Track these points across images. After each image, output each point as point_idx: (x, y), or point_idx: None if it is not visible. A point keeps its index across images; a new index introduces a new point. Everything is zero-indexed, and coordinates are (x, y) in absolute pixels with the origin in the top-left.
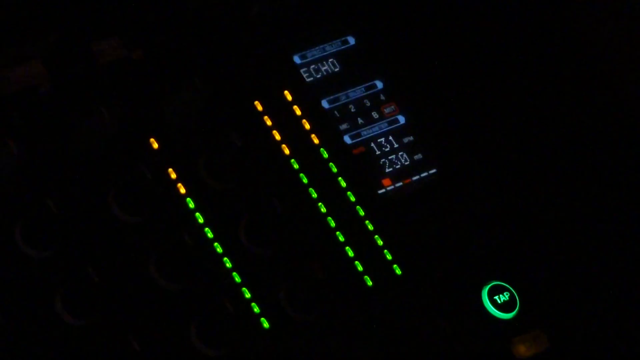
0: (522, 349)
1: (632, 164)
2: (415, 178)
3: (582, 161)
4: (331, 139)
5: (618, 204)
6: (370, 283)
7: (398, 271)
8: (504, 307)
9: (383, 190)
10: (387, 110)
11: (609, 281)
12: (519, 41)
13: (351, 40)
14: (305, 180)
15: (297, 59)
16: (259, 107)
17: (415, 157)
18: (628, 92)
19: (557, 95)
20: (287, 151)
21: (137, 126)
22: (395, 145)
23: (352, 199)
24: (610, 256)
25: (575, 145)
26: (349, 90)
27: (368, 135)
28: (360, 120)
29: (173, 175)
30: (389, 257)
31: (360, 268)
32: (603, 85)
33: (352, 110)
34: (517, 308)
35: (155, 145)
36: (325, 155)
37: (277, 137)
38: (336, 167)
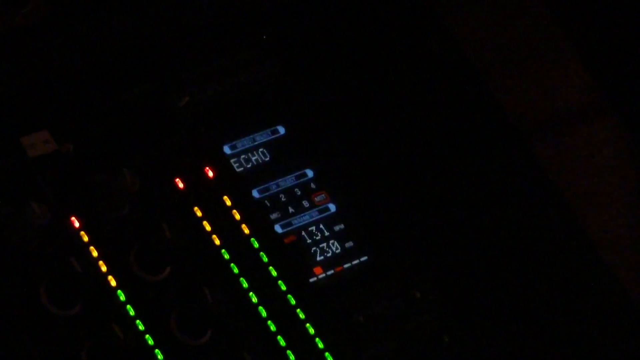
0: None
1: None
2: (346, 266)
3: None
4: (262, 229)
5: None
6: None
7: (330, 359)
8: None
9: (314, 279)
10: (317, 199)
11: None
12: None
13: (281, 130)
14: (235, 271)
15: (227, 149)
16: (189, 198)
17: (347, 244)
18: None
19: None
20: (217, 241)
21: (66, 219)
22: (327, 234)
23: (283, 288)
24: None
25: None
26: (280, 180)
27: (299, 224)
28: (291, 210)
29: (104, 268)
30: (320, 345)
31: (292, 358)
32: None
33: (283, 199)
34: None
35: (85, 238)
36: (256, 245)
37: (208, 227)
38: (267, 256)
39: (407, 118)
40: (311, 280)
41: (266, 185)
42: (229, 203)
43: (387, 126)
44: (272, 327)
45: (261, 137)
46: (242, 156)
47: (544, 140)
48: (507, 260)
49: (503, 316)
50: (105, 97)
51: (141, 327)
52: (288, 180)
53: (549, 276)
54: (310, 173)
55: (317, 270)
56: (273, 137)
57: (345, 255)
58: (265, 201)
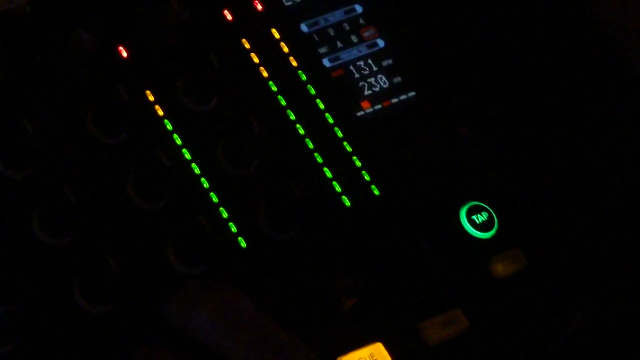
0: (500, 268)
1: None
2: (394, 101)
3: (568, 84)
4: (310, 62)
5: (606, 130)
6: (348, 203)
7: (376, 192)
8: (482, 226)
9: (362, 113)
10: (366, 34)
11: (588, 198)
12: None
13: None
14: (283, 102)
15: None
16: (237, 30)
17: (394, 80)
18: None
19: (541, 30)
20: (265, 74)
21: (114, 48)
22: (374, 69)
23: (331, 120)
24: (591, 174)
25: (559, 69)
26: (328, 14)
27: (347, 59)
28: (339, 44)
29: (151, 97)
30: (367, 177)
31: (338, 189)
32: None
33: (331, 33)
34: (495, 227)
35: (133, 67)
36: (304, 77)
37: (256, 59)
38: (314, 89)
39: None
40: (358, 114)
41: (315, 20)
42: (277, 36)
43: None
44: (319, 159)
45: None
46: None
47: None
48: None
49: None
50: None
51: (188, 156)
52: (337, 15)
53: None
54: (359, 8)
55: (365, 104)
56: None
57: (393, 90)
58: (314, 35)
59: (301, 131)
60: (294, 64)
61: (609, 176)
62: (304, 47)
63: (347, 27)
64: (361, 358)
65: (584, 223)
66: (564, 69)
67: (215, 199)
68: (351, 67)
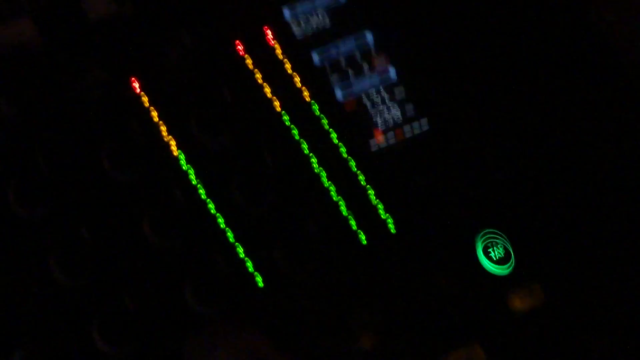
0: (517, 303)
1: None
2: (406, 130)
3: (580, 110)
4: (323, 95)
5: (618, 156)
6: (364, 241)
7: (392, 227)
8: (498, 261)
9: (375, 144)
10: (377, 63)
11: (605, 233)
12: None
13: None
14: (297, 136)
15: (286, 13)
16: (250, 64)
17: (407, 108)
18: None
19: (549, 47)
20: (278, 107)
21: (129, 83)
22: (387, 98)
23: (345, 154)
24: (607, 207)
25: (571, 93)
26: (340, 44)
27: (359, 89)
28: (351, 74)
29: (165, 133)
30: (382, 214)
31: (354, 226)
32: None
33: (343, 64)
34: (511, 262)
35: (146, 102)
36: (317, 111)
37: (268, 93)
38: (328, 122)
39: None
40: (372, 145)
41: (326, 48)
42: (289, 67)
43: None
44: (334, 195)
45: (321, 1)
46: (302, 19)
47: None
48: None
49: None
50: None
51: (203, 196)
52: (348, 43)
53: None
54: (369, 35)
55: (378, 135)
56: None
57: (406, 119)
58: (326, 65)
59: (315, 165)
60: (307, 97)
61: (630, 215)
62: (316, 80)
63: (359, 57)
64: None
65: (603, 258)
66: (581, 97)
67: (231, 238)
68: (364, 98)
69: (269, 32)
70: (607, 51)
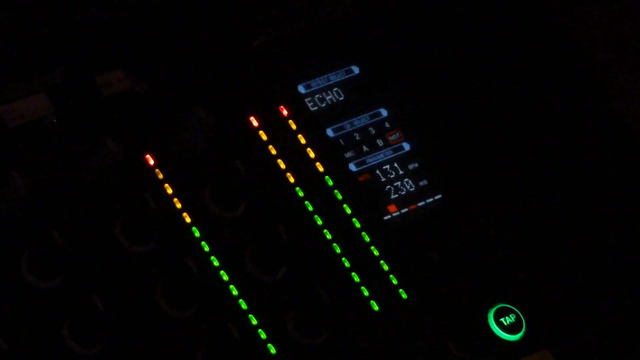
0: None
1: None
2: (420, 204)
3: (589, 187)
4: (336, 167)
5: (625, 229)
6: (376, 308)
7: (404, 295)
8: (510, 328)
9: (389, 217)
10: (392, 138)
11: (615, 301)
12: (520, 70)
13: (355, 70)
14: (310, 208)
15: (301, 89)
16: (264, 137)
17: (421, 183)
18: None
19: (562, 122)
20: (291, 179)
21: (141, 157)
22: (401, 172)
23: (358, 225)
24: (616, 277)
25: (582, 171)
26: (354, 119)
27: (373, 163)
28: (365, 148)
29: (178, 205)
30: (394, 281)
31: (366, 293)
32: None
33: (357, 138)
34: (523, 329)
35: (160, 176)
36: (330, 182)
37: (282, 165)
38: (341, 194)
39: (480, 55)
40: (385, 218)
41: (340, 124)
42: (303, 141)
43: (462, 64)
44: (347, 264)
45: (336, 77)
46: (317, 95)
47: None
48: (581, 211)
49: (576, 261)
50: (180, 35)
51: (216, 263)
52: (362, 120)
53: None
54: (384, 112)
55: (392, 208)
56: (347, 76)
57: (420, 193)
58: (340, 140)
59: (328, 236)
60: (321, 169)
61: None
62: (330, 152)
63: (373, 131)
64: None
65: (613, 324)
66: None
67: (244, 306)
68: (377, 171)
69: (283, 107)
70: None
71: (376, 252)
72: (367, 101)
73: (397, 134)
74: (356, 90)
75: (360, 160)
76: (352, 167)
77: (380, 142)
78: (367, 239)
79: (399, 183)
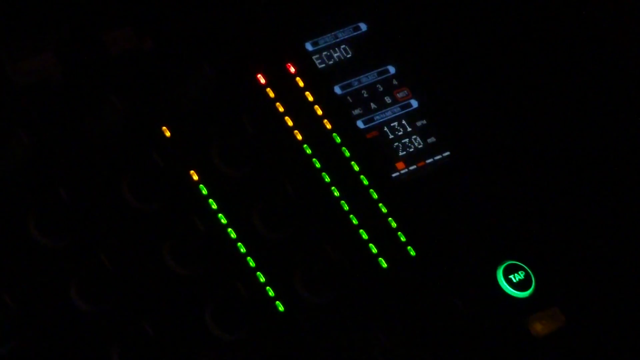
0: (538, 327)
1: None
2: (429, 161)
3: (599, 142)
4: (344, 124)
5: (632, 184)
6: (384, 265)
7: (412, 252)
8: (519, 285)
9: (397, 174)
10: (399, 95)
11: (625, 257)
12: (533, 26)
13: (363, 27)
14: (318, 165)
15: (309, 46)
16: (271, 94)
17: (429, 140)
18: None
19: (571, 79)
20: (299, 136)
21: (148, 115)
22: (409, 129)
23: (366, 182)
24: (626, 233)
25: (591, 126)
26: (362, 76)
27: (381, 120)
28: (373, 105)
29: (185, 162)
30: (403, 238)
31: (374, 250)
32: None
33: (365, 95)
34: (532, 286)
35: (168, 133)
36: (338, 140)
37: (289, 122)
38: (349, 151)
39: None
40: (393, 175)
41: (348, 82)
42: (311, 99)
43: (472, 20)
44: (355, 221)
45: (343, 34)
46: (324, 52)
47: None
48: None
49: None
50: None
51: (223, 221)
52: (370, 77)
53: None
54: (392, 69)
55: (400, 165)
56: (355, 33)
57: (428, 150)
58: (348, 97)
59: (336, 193)
60: (328, 126)
61: None
62: (338, 110)
63: (381, 89)
64: None
65: (623, 281)
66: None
67: (252, 264)
68: (385, 128)
69: (290, 64)
70: None
71: (384, 209)
72: (374, 58)
73: (405, 91)
74: (364, 47)
75: (368, 117)
76: (360, 124)
77: (388, 99)
78: (375, 196)
79: (407, 140)
